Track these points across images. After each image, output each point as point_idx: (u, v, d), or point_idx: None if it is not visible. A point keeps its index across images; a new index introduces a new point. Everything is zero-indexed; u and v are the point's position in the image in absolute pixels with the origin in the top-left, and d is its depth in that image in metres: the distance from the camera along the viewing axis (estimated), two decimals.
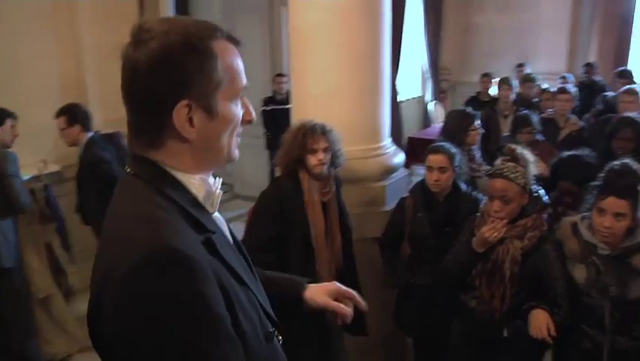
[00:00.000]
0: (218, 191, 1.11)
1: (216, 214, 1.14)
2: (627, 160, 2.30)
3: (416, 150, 3.40)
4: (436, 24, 10.35)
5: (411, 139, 7.93)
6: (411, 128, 10.02)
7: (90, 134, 3.74)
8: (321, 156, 2.55)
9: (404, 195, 3.07)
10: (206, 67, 0.99)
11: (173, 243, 0.92)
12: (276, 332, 1.19)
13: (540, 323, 2.18)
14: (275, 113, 6.03)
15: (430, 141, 7.29)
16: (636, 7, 9.65)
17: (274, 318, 1.21)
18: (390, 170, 3.28)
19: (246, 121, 1.11)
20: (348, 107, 3.00)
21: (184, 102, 0.99)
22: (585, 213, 2.31)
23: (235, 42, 1.06)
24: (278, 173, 2.86)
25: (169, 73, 0.97)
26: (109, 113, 4.22)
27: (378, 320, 3.07)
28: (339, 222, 2.73)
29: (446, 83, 11.28)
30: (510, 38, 10.28)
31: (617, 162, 2.28)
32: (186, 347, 0.91)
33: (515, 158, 2.37)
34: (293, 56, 3.11)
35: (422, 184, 2.95)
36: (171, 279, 0.90)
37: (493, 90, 6.89)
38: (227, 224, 1.21)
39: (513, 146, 2.46)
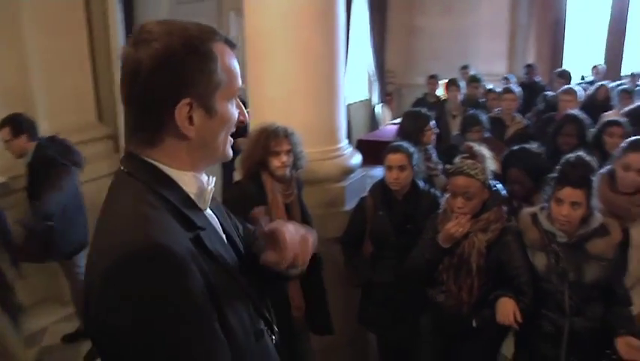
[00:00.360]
0: (210, 188, 1.13)
1: (208, 211, 1.15)
2: (581, 153, 2.43)
3: (365, 152, 3.48)
4: (380, 28, 10.52)
5: (360, 141, 8.03)
6: (359, 131, 10.15)
7: (36, 141, 3.63)
8: (284, 158, 2.58)
9: (364, 195, 3.12)
10: (207, 68, 1.02)
11: (158, 239, 0.94)
12: (269, 331, 1.20)
13: (507, 310, 2.27)
14: None
15: (380, 143, 7.47)
16: (567, 11, 10.13)
17: (267, 317, 1.22)
18: (348, 171, 3.33)
19: (240, 121, 1.13)
20: (305, 110, 3.03)
21: (186, 101, 1.01)
22: (544, 204, 2.42)
23: (231, 45, 1.09)
24: (238, 176, 2.87)
25: (172, 72, 0.99)
26: (56, 123, 4.11)
27: (342, 318, 3.11)
28: (301, 223, 2.75)
29: (392, 86, 11.47)
30: (452, 41, 10.59)
31: (572, 155, 2.40)
32: (169, 342, 0.92)
33: (474, 155, 2.46)
34: (250, 61, 3.11)
35: (381, 183, 3.01)
36: (155, 275, 0.92)
37: (439, 91, 7.10)
38: (221, 220, 1.22)
39: (471, 144, 2.55)
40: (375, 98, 11.06)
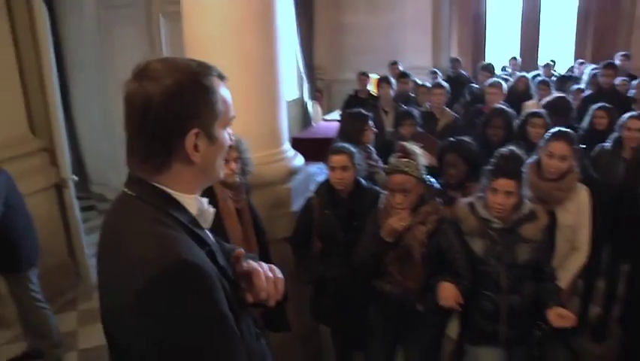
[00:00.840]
0: (212, 209, 1.25)
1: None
2: (513, 147, 2.65)
3: (301, 150, 3.60)
4: (308, 25, 10.61)
5: (295, 140, 8.12)
6: (292, 129, 10.20)
7: None
8: (233, 165, 2.66)
9: (309, 195, 3.24)
10: (210, 100, 1.14)
11: (185, 256, 1.05)
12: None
13: (448, 293, 2.46)
14: None
15: (314, 140, 7.59)
16: (487, 5, 10.60)
17: (258, 321, 1.35)
18: (292, 172, 3.44)
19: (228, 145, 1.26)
20: (248, 116, 3.08)
21: (194, 131, 1.12)
22: (480, 194, 2.64)
23: (222, 78, 1.20)
24: None
25: (182, 105, 1.11)
26: None
27: (296, 315, 3.22)
28: (253, 226, 2.85)
29: (322, 83, 11.61)
30: (379, 37, 10.86)
31: (505, 149, 2.62)
32: (203, 345, 1.03)
33: (407, 153, 2.62)
34: None
35: (326, 183, 3.14)
36: (186, 288, 1.03)
37: (369, 87, 7.28)
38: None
39: (404, 143, 2.71)
40: (305, 96, 11.15)
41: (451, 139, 3.46)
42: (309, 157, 4.50)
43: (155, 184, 1.15)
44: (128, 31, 6.40)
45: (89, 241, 5.13)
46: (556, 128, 3.12)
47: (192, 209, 1.20)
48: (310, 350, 3.74)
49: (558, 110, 4.36)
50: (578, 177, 3.05)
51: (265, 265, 1.35)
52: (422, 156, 2.66)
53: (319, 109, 10.98)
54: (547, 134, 3.07)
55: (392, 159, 2.67)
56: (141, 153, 1.15)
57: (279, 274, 1.36)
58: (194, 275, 1.04)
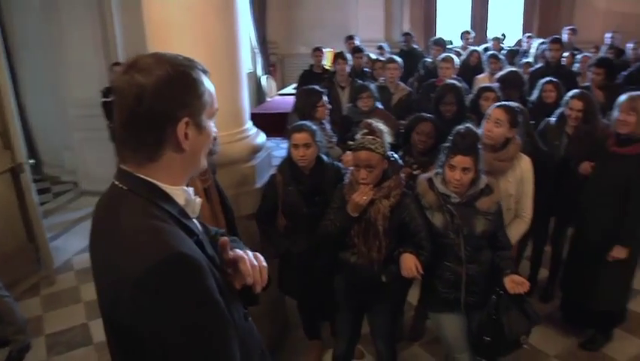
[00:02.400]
0: (198, 199, 1.31)
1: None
2: (469, 124, 2.78)
3: (257, 125, 3.64)
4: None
5: (250, 115, 8.09)
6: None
7: None
8: None
9: (273, 172, 3.31)
10: (198, 91, 1.21)
11: (179, 248, 1.11)
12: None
13: (410, 264, 2.59)
14: None
15: (270, 115, 7.60)
16: None
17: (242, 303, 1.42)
18: (255, 150, 3.49)
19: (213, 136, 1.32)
20: None
21: (185, 119, 1.18)
22: (438, 170, 2.76)
23: (205, 72, 1.26)
24: None
25: (174, 94, 1.17)
26: None
27: (263, 290, 3.32)
28: (220, 204, 2.91)
29: (275, 57, 11.57)
30: (331, 10, 10.85)
31: (461, 127, 2.74)
32: (198, 331, 1.11)
33: (373, 131, 2.72)
34: (151, 50, 3.14)
35: (289, 160, 3.21)
36: (182, 277, 1.10)
37: (324, 62, 7.33)
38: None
39: (369, 120, 2.80)
40: (259, 71, 11.10)
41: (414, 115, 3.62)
42: (265, 132, 4.55)
43: (145, 177, 1.21)
44: (77, 8, 6.21)
45: (46, 225, 5.07)
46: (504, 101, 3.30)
47: (180, 200, 1.25)
48: (278, 322, 3.86)
49: (511, 84, 4.55)
50: (519, 147, 3.23)
51: (250, 253, 1.42)
52: (387, 134, 2.76)
53: (273, 84, 10.97)
54: (493, 104, 3.27)
55: (358, 136, 2.76)
56: (134, 142, 1.20)
57: (264, 262, 1.43)
58: (188, 266, 1.11)
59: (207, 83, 1.25)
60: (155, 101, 1.15)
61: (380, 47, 8.04)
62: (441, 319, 2.87)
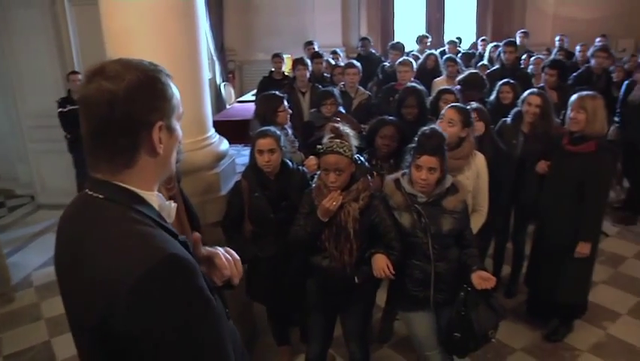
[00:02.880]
0: (173, 204, 1.31)
1: None
2: (434, 125, 2.83)
3: (218, 132, 3.62)
4: (217, 6, 10.49)
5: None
6: None
7: None
8: None
9: (238, 179, 3.30)
10: (167, 94, 1.20)
11: (170, 250, 1.10)
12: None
13: (381, 264, 2.62)
14: (74, 114, 5.71)
15: (230, 122, 7.56)
16: None
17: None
18: (219, 157, 3.48)
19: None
20: None
21: (159, 123, 1.18)
22: (404, 171, 2.81)
23: (169, 76, 1.25)
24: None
25: (147, 99, 1.16)
26: None
27: (231, 295, 3.27)
28: (186, 213, 2.87)
29: (233, 64, 11.53)
30: (289, 16, 10.89)
31: (427, 128, 2.79)
32: (199, 330, 1.11)
33: (340, 134, 2.75)
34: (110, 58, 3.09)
35: (253, 166, 3.20)
36: (177, 279, 1.09)
37: (284, 68, 7.33)
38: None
39: (336, 125, 2.83)
40: (218, 78, 11.04)
41: (375, 119, 3.67)
42: (226, 139, 4.52)
43: (121, 184, 1.19)
44: (29, 16, 6.05)
45: (2, 240, 4.91)
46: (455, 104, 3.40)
47: (155, 205, 1.24)
48: (246, 328, 3.83)
49: (472, 85, 4.67)
50: (474, 145, 3.33)
51: (221, 249, 1.43)
52: (353, 137, 2.80)
53: (232, 91, 10.92)
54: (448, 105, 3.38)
55: (325, 140, 2.78)
56: (108, 150, 1.18)
57: (236, 256, 1.44)
58: (182, 267, 1.10)
59: (174, 87, 1.25)
60: (129, 108, 1.14)
61: (334, 52, 8.09)
62: (410, 317, 2.90)
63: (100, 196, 1.18)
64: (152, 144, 1.18)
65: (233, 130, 6.67)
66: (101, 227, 1.15)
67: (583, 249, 3.48)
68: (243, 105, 8.80)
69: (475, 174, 3.30)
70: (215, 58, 10.84)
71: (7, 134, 6.81)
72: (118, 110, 1.13)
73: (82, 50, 6.24)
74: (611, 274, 4.74)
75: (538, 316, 4.03)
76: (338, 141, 2.70)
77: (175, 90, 1.25)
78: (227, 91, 10.82)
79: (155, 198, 1.26)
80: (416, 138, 2.75)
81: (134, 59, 1.20)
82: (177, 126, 1.27)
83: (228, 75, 11.31)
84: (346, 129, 2.77)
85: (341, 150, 2.67)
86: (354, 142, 2.78)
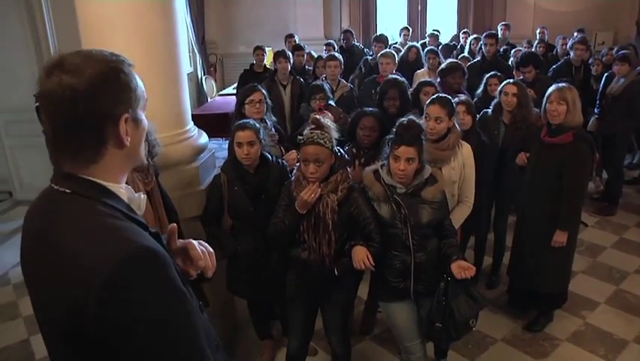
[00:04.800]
0: (142, 195, 1.29)
1: None
2: (412, 116, 2.82)
3: (198, 126, 3.56)
4: None
5: (192, 116, 7.97)
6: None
7: None
8: None
9: (217, 173, 3.27)
10: (132, 85, 1.17)
11: (141, 242, 1.08)
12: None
13: (361, 256, 2.62)
14: None
15: (211, 116, 7.52)
16: None
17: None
18: (198, 151, 3.43)
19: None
20: (152, 97, 2.92)
21: (125, 115, 1.15)
22: (383, 162, 2.80)
23: (131, 65, 1.22)
24: None
25: (111, 92, 1.13)
26: None
27: (212, 290, 3.25)
28: (164, 207, 2.84)
29: (214, 57, 11.46)
30: (270, 9, 10.85)
31: (404, 119, 2.78)
32: (172, 322, 1.10)
33: (320, 126, 2.73)
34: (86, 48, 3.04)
35: (232, 160, 3.18)
36: (149, 271, 1.07)
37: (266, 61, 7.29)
38: None
39: (317, 116, 2.80)
40: (199, 71, 10.97)
41: (357, 111, 3.65)
42: (207, 133, 4.46)
43: (88, 177, 1.17)
44: (3, 8, 5.91)
45: None
46: (435, 95, 3.37)
47: (124, 198, 1.22)
48: (228, 323, 3.82)
49: (449, 72, 4.67)
50: (459, 135, 3.33)
51: (195, 241, 1.42)
52: (334, 129, 2.78)
53: (213, 84, 10.86)
54: (428, 100, 3.34)
55: (306, 131, 2.76)
56: (74, 146, 1.15)
57: (210, 248, 1.43)
58: (152, 259, 1.09)
59: (137, 77, 1.22)
60: (92, 102, 1.11)
61: (328, 44, 8.06)
62: (391, 308, 2.90)
63: (66, 191, 1.15)
64: (119, 137, 1.16)
65: (214, 124, 6.64)
66: (68, 221, 1.12)
67: (560, 237, 3.52)
68: (225, 99, 8.75)
69: (461, 164, 3.31)
70: (196, 51, 10.76)
71: None
72: (82, 106, 1.10)
73: (60, 42, 6.11)
74: (590, 263, 4.80)
75: (518, 306, 4.06)
76: (319, 132, 2.68)
77: (139, 80, 1.22)
78: (208, 84, 10.76)
79: (123, 190, 1.23)
80: (394, 129, 2.74)
81: (94, 50, 1.17)
82: (143, 116, 1.24)
83: (210, 68, 11.24)
84: (327, 121, 2.75)
85: (321, 141, 2.65)
86: (335, 134, 2.76)
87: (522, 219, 3.88)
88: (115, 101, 1.14)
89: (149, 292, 1.06)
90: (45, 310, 1.17)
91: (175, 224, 1.40)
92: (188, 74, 10.49)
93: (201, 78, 10.85)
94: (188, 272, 1.38)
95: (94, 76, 1.11)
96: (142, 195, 1.29)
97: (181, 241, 1.40)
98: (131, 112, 1.17)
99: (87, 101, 1.10)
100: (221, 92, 9.92)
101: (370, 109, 3.68)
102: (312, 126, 2.72)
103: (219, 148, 6.42)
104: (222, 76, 11.62)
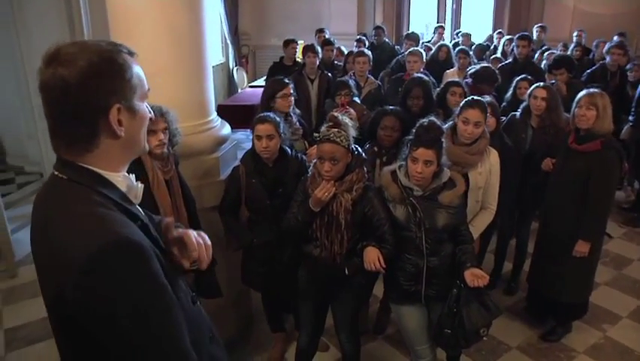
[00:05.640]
0: (140, 185, 1.30)
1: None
2: (433, 118, 2.77)
3: (226, 117, 3.57)
4: None
5: (220, 107, 8.03)
6: (218, 95, 10.06)
7: None
8: (161, 136, 2.67)
9: (236, 165, 3.28)
10: (126, 76, 1.18)
11: (123, 233, 1.09)
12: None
13: (372, 257, 2.58)
14: None
15: (239, 107, 7.55)
16: None
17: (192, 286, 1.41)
18: (220, 142, 3.44)
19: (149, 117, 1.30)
20: (176, 87, 3.06)
21: (117, 106, 1.16)
22: (401, 163, 2.76)
23: (132, 54, 1.23)
24: None
25: (100, 83, 1.14)
26: None
27: (227, 281, 3.30)
28: (182, 196, 2.87)
29: (247, 48, 11.50)
30: (304, 3, 10.82)
31: (425, 120, 2.73)
32: (147, 314, 1.10)
33: (338, 123, 2.70)
34: (114, 39, 3.07)
35: (252, 152, 3.18)
36: (126, 262, 1.08)
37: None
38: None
39: (335, 113, 2.78)
40: (231, 62, 11.01)
41: (378, 109, 3.61)
42: (235, 124, 4.46)
43: (85, 165, 1.19)
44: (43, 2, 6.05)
45: (9, 216, 4.94)
46: (471, 97, 3.30)
47: (122, 186, 1.24)
48: (242, 314, 3.84)
49: (484, 79, 4.60)
50: (488, 141, 3.26)
51: (194, 231, 1.43)
52: (352, 127, 2.75)
53: (244, 75, 10.90)
54: (463, 102, 3.25)
55: (323, 128, 2.74)
56: (67, 136, 1.18)
57: (208, 241, 1.44)
58: (133, 251, 1.10)
59: (135, 66, 1.23)
60: (82, 94, 1.13)
61: (359, 40, 8.02)
62: (402, 311, 2.87)
63: (64, 177, 1.19)
64: (111, 128, 1.17)
65: (241, 115, 6.66)
66: (62, 208, 1.15)
67: (581, 248, 3.43)
68: (254, 90, 8.78)
69: (487, 170, 3.24)
70: (228, 42, 10.81)
71: (18, 110, 6.81)
72: (72, 98, 1.13)
73: (94, 28, 6.21)
74: (614, 275, 4.68)
75: (536, 314, 3.98)
76: (335, 130, 2.66)
77: (136, 69, 1.22)
78: (239, 75, 10.80)
79: (121, 179, 1.25)
80: (414, 130, 2.70)
81: (91, 41, 1.20)
82: (142, 106, 1.25)
83: (241, 60, 11.28)
84: (345, 119, 2.73)
85: (337, 140, 2.62)
86: (353, 132, 2.73)
87: (544, 225, 3.80)
88: (106, 92, 1.16)
89: (126, 282, 1.07)
90: (43, 292, 1.21)
91: (172, 218, 1.41)
92: (219, 65, 10.62)
93: (232, 69, 10.89)
94: (182, 263, 1.38)
95: (85, 67, 1.12)
96: (139, 185, 1.31)
97: (179, 230, 1.41)
98: (124, 102, 1.18)
99: (76, 93, 1.12)
100: (251, 84, 9.96)
101: (391, 107, 3.63)
102: (330, 123, 2.70)
103: (247, 139, 6.44)
104: (254, 67, 11.66)
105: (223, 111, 7.43)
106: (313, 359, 3.19)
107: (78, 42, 1.18)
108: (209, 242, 1.43)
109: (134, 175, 1.30)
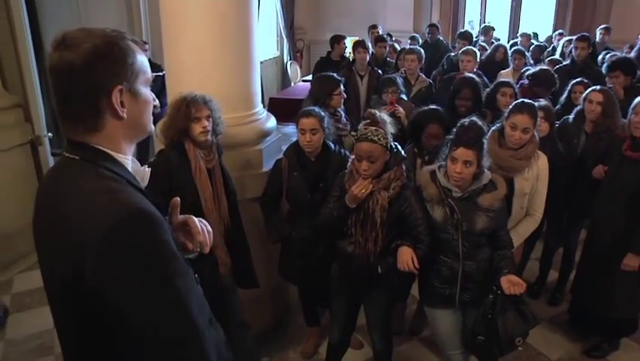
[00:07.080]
0: (147, 169, 1.36)
1: None
2: (474, 117, 2.71)
3: (277, 110, 3.58)
4: None
5: (272, 100, 8.11)
6: (271, 89, 10.15)
7: None
8: (205, 123, 2.71)
9: (279, 157, 3.30)
10: (128, 60, 1.23)
11: (138, 204, 1.15)
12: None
13: (406, 258, 2.54)
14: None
15: (291, 101, 7.60)
16: None
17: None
18: (264, 134, 3.47)
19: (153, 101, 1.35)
20: (222, 78, 3.12)
21: (118, 87, 1.21)
22: (441, 163, 2.70)
23: (136, 43, 1.29)
24: (160, 145, 2.94)
25: (103, 66, 1.19)
26: None
27: (265, 272, 3.33)
28: (223, 186, 2.90)
29: (302, 43, 11.55)
30: None
31: (466, 119, 2.67)
32: (164, 280, 1.15)
33: (376, 121, 2.66)
34: (165, 29, 3.14)
35: (295, 146, 3.19)
36: (145, 232, 1.13)
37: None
38: None
39: (372, 111, 2.74)
40: (285, 56, 11.09)
41: (422, 109, 3.53)
42: (286, 117, 4.46)
43: (94, 145, 1.24)
44: None
45: None
46: (520, 100, 3.18)
47: (128, 167, 1.30)
48: (279, 306, 3.88)
49: (541, 82, 4.45)
50: (537, 145, 3.14)
51: (195, 218, 1.46)
52: (390, 124, 2.70)
53: (297, 69, 10.96)
54: (512, 106, 3.14)
55: (360, 127, 2.71)
56: (74, 117, 1.23)
57: (209, 226, 1.48)
58: (149, 221, 1.15)
59: (138, 52, 1.27)
60: (86, 75, 1.17)
61: (412, 37, 7.93)
62: (435, 314, 2.83)
63: (75, 157, 1.23)
64: (113, 108, 1.22)
65: (293, 109, 6.68)
66: (74, 185, 1.19)
67: (631, 261, 3.25)
68: (307, 85, 8.80)
69: (535, 176, 3.12)
70: (284, 35, 10.89)
71: None
72: (75, 79, 1.17)
73: (151, 23, 6.40)
74: None
75: (579, 328, 3.83)
76: (373, 128, 2.62)
77: (139, 55, 1.27)
78: (292, 69, 10.87)
79: (128, 161, 1.30)
80: (454, 130, 2.64)
81: (97, 28, 1.23)
82: (145, 90, 1.29)
83: (296, 54, 11.35)
84: (383, 116, 2.69)
85: (375, 138, 2.59)
86: (391, 129, 2.69)
87: (592, 235, 3.62)
88: (108, 75, 1.20)
89: (143, 250, 1.12)
90: (52, 274, 1.26)
91: (178, 198, 1.45)
92: (274, 58, 10.71)
93: (286, 63, 10.97)
94: (187, 247, 1.42)
95: (89, 51, 1.17)
96: (146, 169, 1.36)
97: (182, 216, 1.45)
98: (126, 84, 1.22)
99: (80, 75, 1.17)
100: (305, 78, 10.00)
101: (434, 108, 3.51)
102: (367, 121, 2.67)
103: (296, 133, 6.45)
104: (308, 62, 11.70)
105: (275, 104, 7.55)
106: (346, 355, 3.19)
107: (85, 28, 1.23)
108: (209, 228, 1.47)
109: (136, 161, 1.35)
